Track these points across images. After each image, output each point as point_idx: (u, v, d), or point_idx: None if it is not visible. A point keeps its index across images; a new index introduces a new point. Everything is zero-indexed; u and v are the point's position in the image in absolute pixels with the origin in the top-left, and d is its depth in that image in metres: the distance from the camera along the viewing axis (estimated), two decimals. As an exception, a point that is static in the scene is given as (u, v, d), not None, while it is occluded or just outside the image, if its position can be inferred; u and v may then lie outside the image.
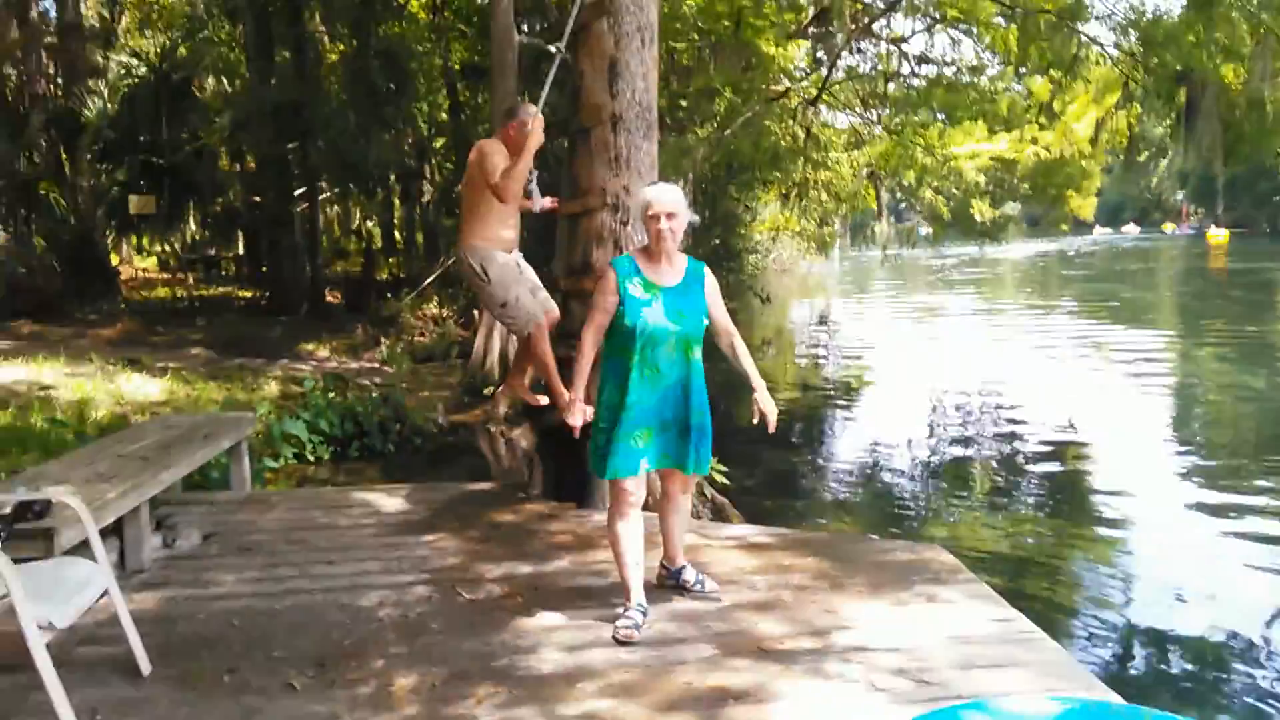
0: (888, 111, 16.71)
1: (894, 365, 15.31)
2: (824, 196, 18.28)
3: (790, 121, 15.02)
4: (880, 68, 16.26)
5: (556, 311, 4.57)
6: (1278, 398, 11.12)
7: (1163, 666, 4.68)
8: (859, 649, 3.26)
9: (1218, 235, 57.40)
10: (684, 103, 14.21)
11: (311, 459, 8.01)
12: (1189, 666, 4.70)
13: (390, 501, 5.26)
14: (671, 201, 3.41)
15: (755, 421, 3.54)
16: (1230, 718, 4.27)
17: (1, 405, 7.85)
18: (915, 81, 15.72)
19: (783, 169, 15.95)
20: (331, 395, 9.17)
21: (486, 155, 4.16)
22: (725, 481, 5.34)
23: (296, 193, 17.20)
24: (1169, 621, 5.12)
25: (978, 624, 3.46)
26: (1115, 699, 2.90)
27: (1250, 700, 4.38)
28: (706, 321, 3.50)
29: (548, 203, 4.64)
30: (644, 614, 3.43)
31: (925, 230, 21.38)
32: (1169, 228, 79.25)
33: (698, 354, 3.49)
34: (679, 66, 14.73)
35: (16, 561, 2.77)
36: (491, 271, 4.27)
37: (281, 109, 15.19)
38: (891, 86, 16.12)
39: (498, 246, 4.30)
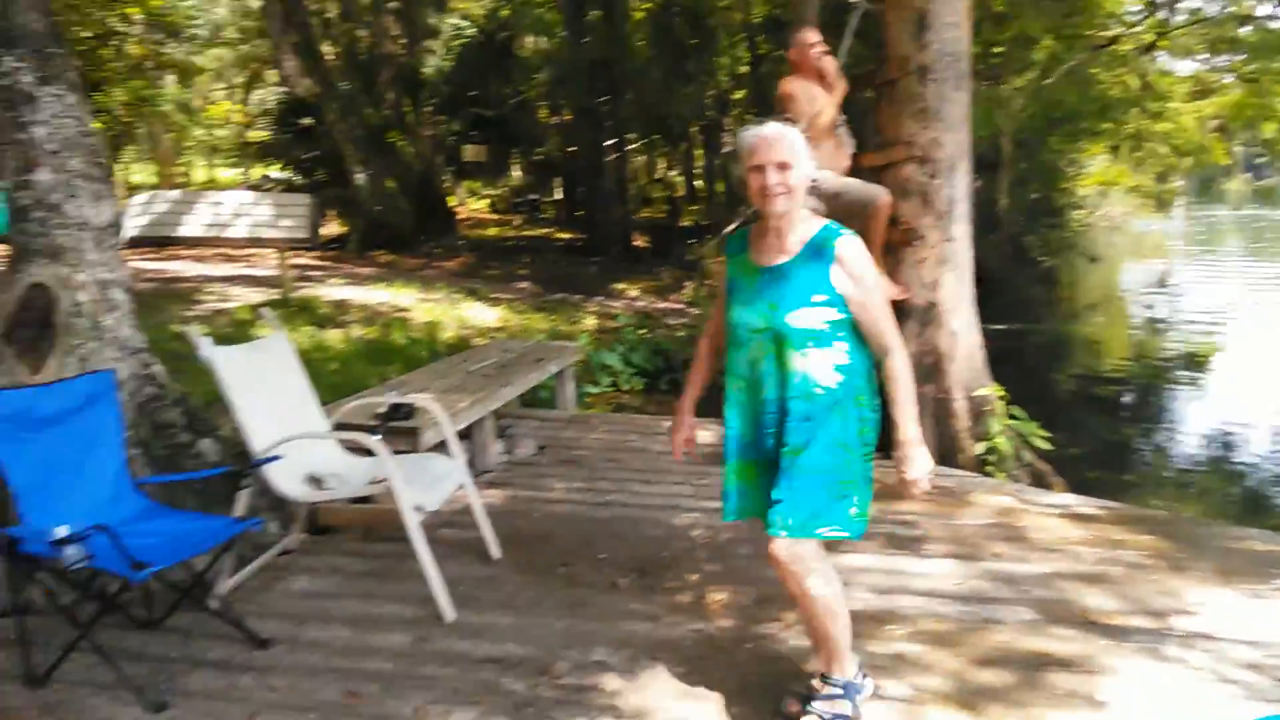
0: (1241, 57, 14.43)
1: (1250, 338, 13.34)
2: (1162, 150, 16.26)
3: (1121, 70, 13.46)
4: (1232, 9, 13.98)
5: (888, 196, 4.65)
6: None
7: None
8: (1204, 636, 2.97)
9: None
10: (998, 51, 13.17)
11: (625, 388, 8.52)
12: None
13: (699, 433, 5.45)
14: (779, 147, 2.28)
15: (895, 482, 2.44)
16: None
17: (370, 323, 9.07)
18: (1276, 24, 13.38)
19: (1113, 120, 14.40)
20: (642, 331, 9.66)
21: (790, 99, 4.35)
22: (1047, 446, 4.99)
23: (607, 143, 18.08)
24: None
25: (1358, 629, 3.01)
26: None
27: None
28: (836, 315, 2.31)
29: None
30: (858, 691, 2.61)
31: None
32: None
33: (804, 363, 2.32)
34: (993, 13, 13.65)
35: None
36: (819, 176, 4.31)
37: (594, 65, 16.05)
38: (1246, 29, 13.82)
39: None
